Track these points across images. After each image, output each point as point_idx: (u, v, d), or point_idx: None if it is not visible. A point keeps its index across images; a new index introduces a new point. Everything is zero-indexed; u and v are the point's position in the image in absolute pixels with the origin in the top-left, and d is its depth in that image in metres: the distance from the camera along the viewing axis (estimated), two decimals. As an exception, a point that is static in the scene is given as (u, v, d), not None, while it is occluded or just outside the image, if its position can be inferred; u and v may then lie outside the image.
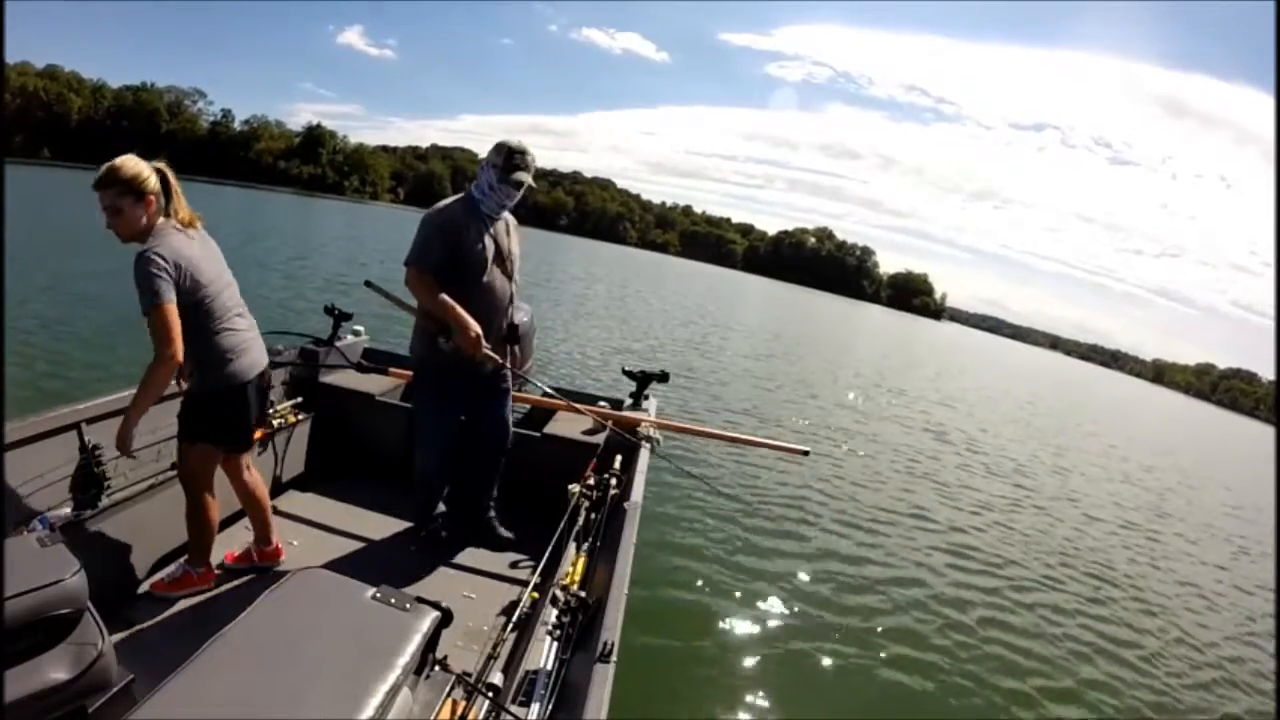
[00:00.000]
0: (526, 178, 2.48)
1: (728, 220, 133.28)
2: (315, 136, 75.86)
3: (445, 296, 2.42)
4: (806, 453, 3.35)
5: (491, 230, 2.55)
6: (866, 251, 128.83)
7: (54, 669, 1.33)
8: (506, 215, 2.65)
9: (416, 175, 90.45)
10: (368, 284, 2.69)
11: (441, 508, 2.86)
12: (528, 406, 3.42)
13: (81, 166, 45.27)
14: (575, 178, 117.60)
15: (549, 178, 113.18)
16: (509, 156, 2.47)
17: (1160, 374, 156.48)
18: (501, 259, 2.59)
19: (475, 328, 2.42)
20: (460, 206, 2.52)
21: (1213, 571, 6.93)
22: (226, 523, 2.66)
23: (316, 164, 73.53)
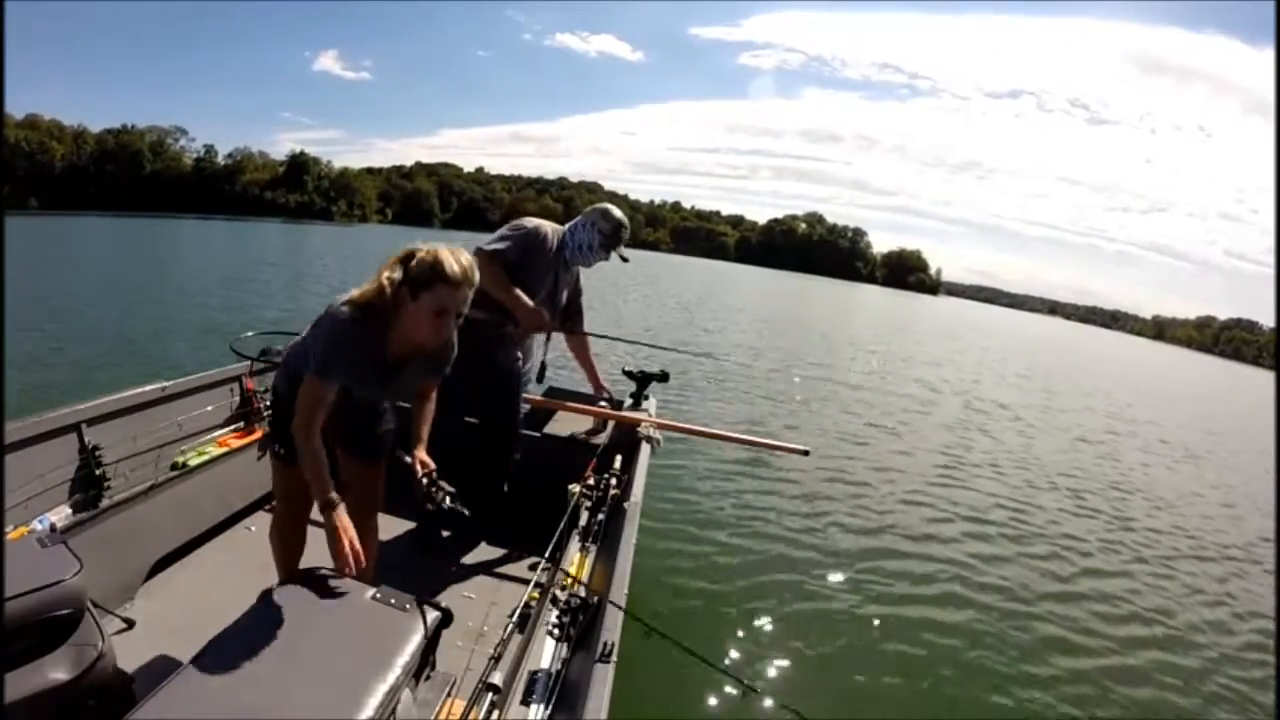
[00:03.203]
0: (623, 251, 2.74)
1: (717, 213, 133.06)
2: (299, 164, 75.64)
3: (508, 283, 2.59)
4: (807, 452, 3.32)
5: (560, 272, 2.76)
6: (858, 233, 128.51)
7: (54, 669, 1.34)
8: (579, 270, 2.92)
9: (404, 194, 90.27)
10: None
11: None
12: (528, 406, 3.44)
13: (71, 214, 45.66)
14: (562, 183, 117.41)
15: (535, 185, 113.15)
16: (616, 230, 2.71)
17: (1161, 331, 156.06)
18: (554, 300, 2.79)
19: (538, 308, 2.62)
20: (553, 238, 2.71)
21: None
22: (226, 524, 2.69)
23: (303, 191, 73.31)
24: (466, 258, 1.62)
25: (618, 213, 2.68)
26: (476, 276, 1.62)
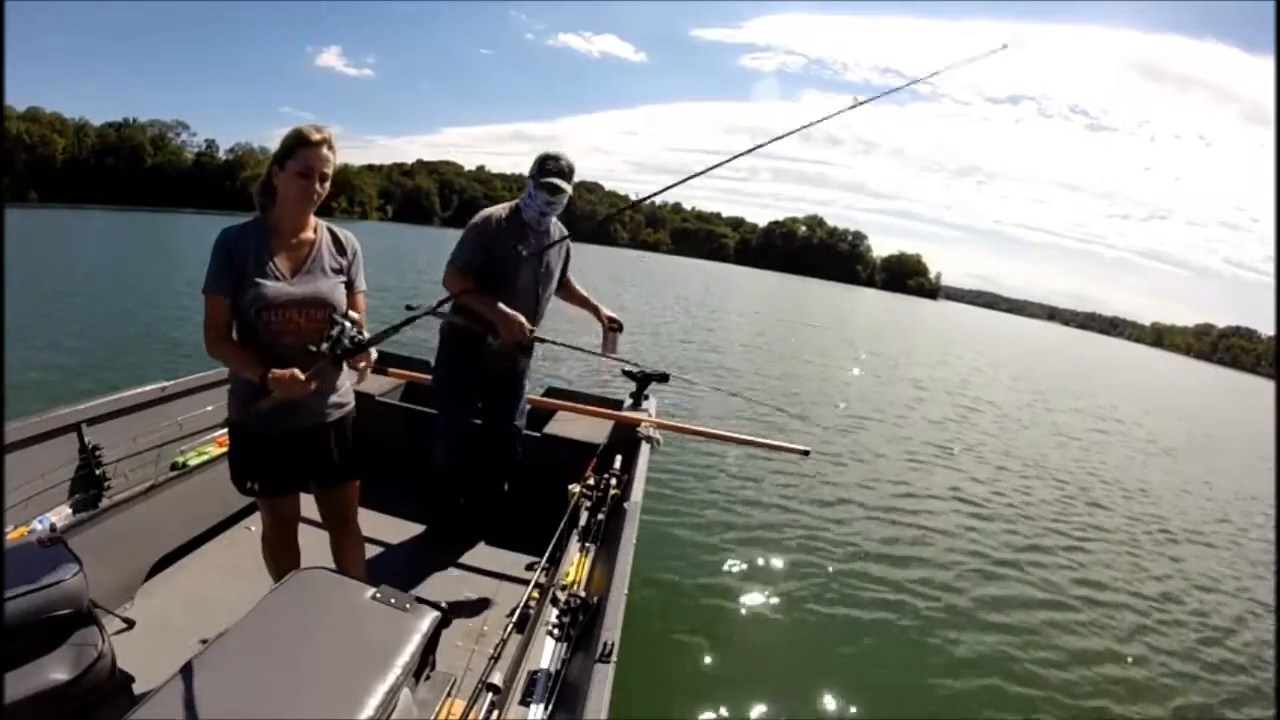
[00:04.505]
0: (560, 182, 2.52)
1: (718, 215, 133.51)
2: (299, 160, 75.61)
3: (482, 294, 2.49)
4: (807, 453, 3.30)
5: (531, 240, 2.60)
6: (858, 236, 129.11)
7: (54, 669, 1.34)
8: (559, 229, 2.73)
9: (404, 192, 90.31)
10: (409, 308, 2.72)
11: (460, 509, 2.89)
12: (528, 406, 3.44)
13: (72, 207, 45.65)
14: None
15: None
16: (542, 162, 2.56)
17: (1160, 337, 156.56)
18: (535, 269, 2.64)
19: (517, 316, 2.49)
20: (505, 214, 2.60)
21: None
22: (226, 524, 2.68)
23: (303, 187, 73.37)
24: (325, 128, 1.75)
25: (551, 150, 2.59)
26: (334, 140, 1.75)
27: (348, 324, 1.68)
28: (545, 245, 2.65)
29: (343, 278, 1.84)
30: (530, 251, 2.58)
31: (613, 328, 2.94)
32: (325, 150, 1.71)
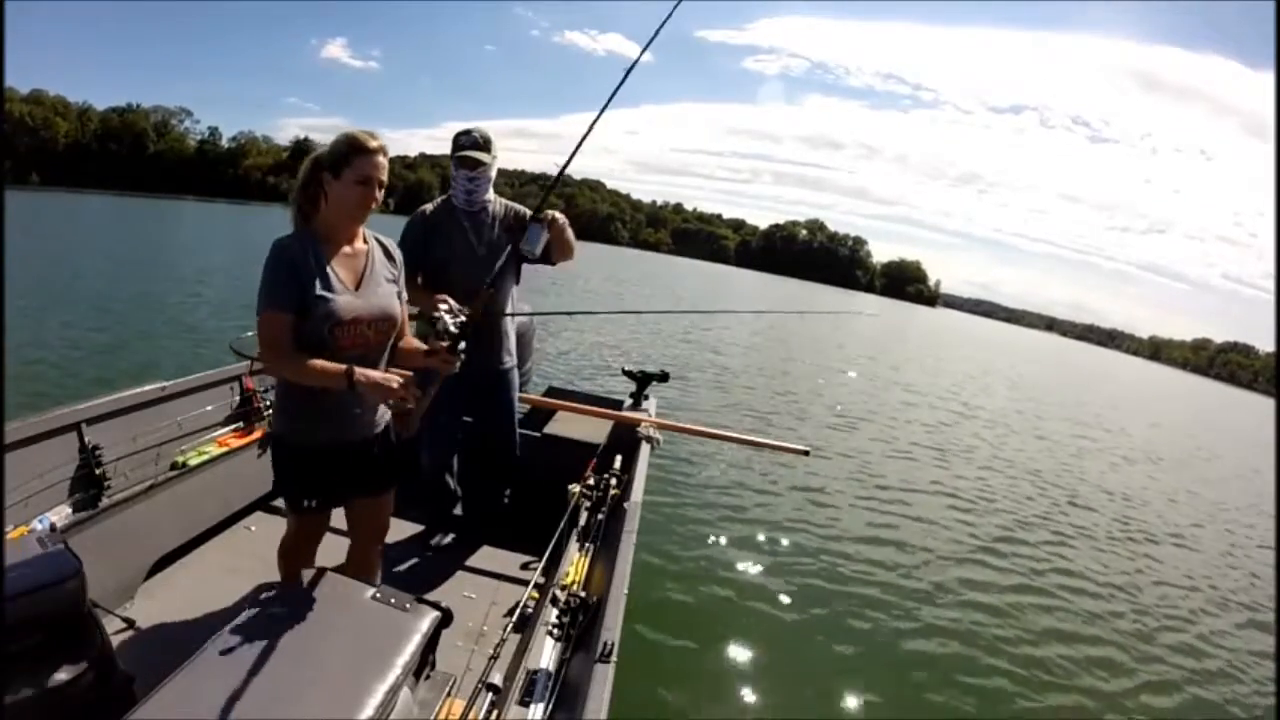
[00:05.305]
0: (474, 154, 2.42)
1: (719, 216, 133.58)
2: (303, 150, 75.29)
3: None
4: (807, 453, 3.31)
5: (467, 224, 2.51)
6: (859, 241, 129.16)
7: (54, 669, 1.34)
8: (504, 207, 2.57)
9: (406, 184, 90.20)
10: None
11: (457, 510, 2.88)
12: (527, 406, 3.41)
13: (73, 190, 45.60)
14: (565, 180, 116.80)
15: (538, 181, 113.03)
16: (455, 139, 2.47)
17: (1157, 351, 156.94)
18: (473, 250, 2.50)
19: (439, 296, 2.13)
20: (433, 206, 2.55)
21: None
22: (226, 524, 2.67)
23: (306, 178, 73.37)
24: (378, 134, 1.69)
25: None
26: (387, 146, 1.70)
27: (447, 314, 1.57)
28: (481, 223, 2.53)
29: (396, 288, 1.80)
30: (462, 236, 2.49)
31: (537, 219, 2.35)
32: (381, 157, 1.68)
